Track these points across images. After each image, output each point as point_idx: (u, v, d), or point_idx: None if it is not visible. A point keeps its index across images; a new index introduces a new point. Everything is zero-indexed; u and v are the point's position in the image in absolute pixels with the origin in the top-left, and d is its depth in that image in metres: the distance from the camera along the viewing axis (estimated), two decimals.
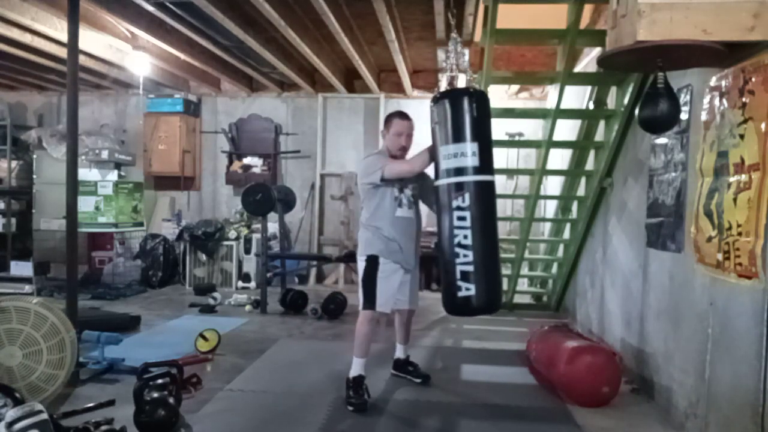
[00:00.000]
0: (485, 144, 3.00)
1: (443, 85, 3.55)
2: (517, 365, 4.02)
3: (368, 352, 3.36)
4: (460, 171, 2.95)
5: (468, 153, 2.93)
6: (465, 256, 2.91)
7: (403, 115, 3.45)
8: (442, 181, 3.02)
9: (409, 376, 3.67)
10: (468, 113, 2.95)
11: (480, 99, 3.01)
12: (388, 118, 3.48)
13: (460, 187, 2.94)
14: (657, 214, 3.38)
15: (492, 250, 3.03)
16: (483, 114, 3.00)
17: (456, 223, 2.93)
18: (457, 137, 2.96)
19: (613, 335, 4.15)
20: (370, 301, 3.32)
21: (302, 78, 6.75)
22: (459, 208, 2.92)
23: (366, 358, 3.34)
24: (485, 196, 2.99)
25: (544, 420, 3.13)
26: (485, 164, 2.97)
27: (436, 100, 3.06)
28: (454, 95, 3.07)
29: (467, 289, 2.91)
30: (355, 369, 3.32)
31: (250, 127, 7.60)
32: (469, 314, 3.36)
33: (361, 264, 3.39)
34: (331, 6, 4.35)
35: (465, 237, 2.91)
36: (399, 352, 3.76)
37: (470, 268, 2.90)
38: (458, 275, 2.92)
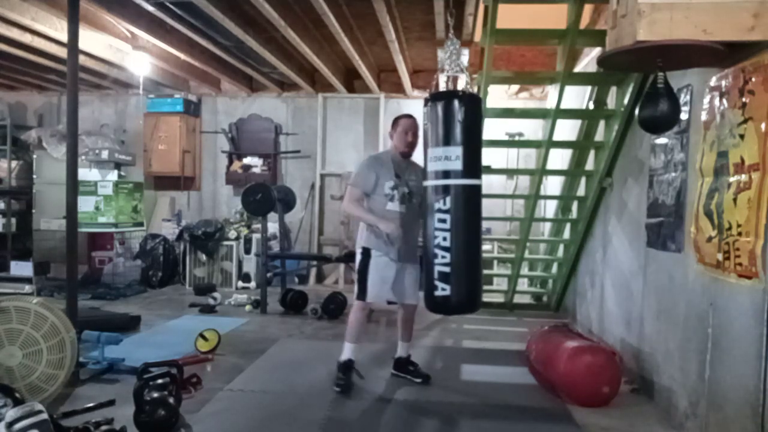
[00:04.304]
0: (472, 148, 3.00)
1: (441, 85, 3.58)
2: (517, 365, 4.02)
3: (359, 338, 3.59)
4: (443, 174, 2.99)
5: (452, 157, 2.95)
6: (443, 257, 2.97)
7: (408, 116, 3.64)
8: (428, 183, 3.08)
9: (409, 375, 3.68)
10: (455, 117, 2.96)
11: (469, 103, 3.00)
12: (395, 120, 3.64)
13: (441, 190, 2.99)
14: (657, 214, 3.38)
15: (471, 253, 3.06)
16: (471, 118, 3.00)
17: (437, 224, 2.98)
18: (443, 140, 2.98)
19: (613, 335, 4.15)
20: (362, 291, 3.49)
21: (302, 78, 6.75)
22: (440, 211, 2.98)
23: (357, 344, 3.56)
24: (468, 200, 3.01)
25: (544, 420, 3.13)
26: (469, 168, 2.97)
27: (427, 102, 3.09)
28: (443, 98, 3.08)
29: (443, 289, 2.99)
30: (346, 353, 3.53)
31: (250, 127, 7.60)
32: (445, 313, 3.47)
33: (357, 256, 3.57)
34: (331, 6, 4.35)
35: (444, 239, 2.96)
36: (400, 351, 3.76)
37: (447, 269, 2.97)
38: (436, 275, 3.00)
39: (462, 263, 2.99)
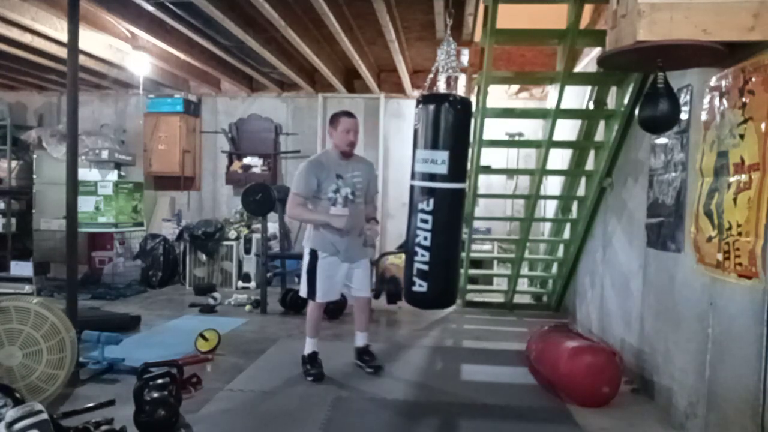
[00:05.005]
0: (458, 153, 3.04)
1: (440, 84, 3.61)
2: (517, 365, 4.02)
3: (318, 332, 3.79)
4: (428, 176, 3.04)
5: (438, 160, 2.99)
6: (423, 255, 3.05)
7: (349, 114, 3.68)
8: (414, 183, 3.12)
9: (363, 365, 3.81)
10: (443, 121, 2.99)
11: (459, 107, 3.02)
12: (335, 117, 3.68)
13: (425, 192, 3.04)
14: (657, 214, 3.38)
15: (449, 254, 3.12)
16: (459, 122, 3.03)
17: (419, 224, 3.05)
18: (431, 143, 3.02)
19: (613, 335, 4.15)
20: (311, 291, 3.66)
21: (302, 78, 6.75)
22: (423, 211, 3.04)
23: (317, 338, 3.76)
24: (450, 202, 3.06)
25: (544, 420, 3.13)
26: (454, 172, 3.02)
27: (418, 103, 3.12)
28: (433, 101, 3.10)
29: (420, 286, 3.08)
30: (309, 347, 3.72)
31: (250, 127, 7.60)
32: (421, 307, 3.59)
33: (305, 257, 3.68)
34: (331, 6, 4.35)
35: (425, 238, 3.03)
36: (358, 341, 3.90)
37: (426, 267, 3.05)
38: (415, 272, 3.08)
39: (440, 263, 3.06)
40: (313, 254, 3.63)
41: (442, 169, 2.98)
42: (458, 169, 3.06)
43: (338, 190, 3.57)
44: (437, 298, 3.18)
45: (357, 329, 3.91)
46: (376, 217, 3.90)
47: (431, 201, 3.00)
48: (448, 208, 3.05)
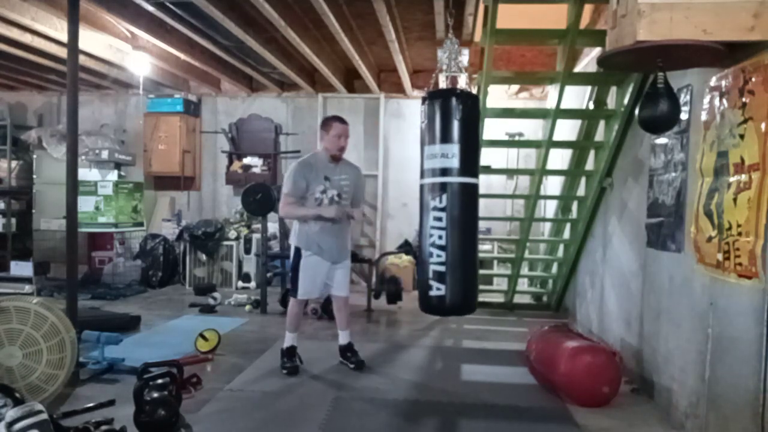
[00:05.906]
0: (468, 146, 2.97)
1: (443, 84, 3.60)
2: (517, 365, 4.02)
3: (298, 327, 3.89)
4: (439, 172, 2.95)
5: (449, 154, 2.92)
6: (438, 256, 2.91)
7: (341, 120, 3.79)
8: (424, 181, 3.03)
9: (346, 362, 3.90)
10: (452, 115, 2.93)
11: (466, 101, 2.97)
12: (327, 122, 3.78)
13: (438, 188, 2.95)
14: (657, 214, 3.38)
15: (467, 252, 3.00)
16: (468, 116, 2.96)
17: (432, 223, 2.94)
18: (440, 138, 2.95)
19: (613, 335, 4.15)
20: (294, 288, 3.78)
21: (302, 78, 6.75)
22: (436, 209, 2.93)
23: (296, 332, 3.85)
24: (464, 198, 2.96)
25: (544, 420, 3.13)
26: (466, 166, 2.94)
27: (424, 100, 3.07)
28: (441, 96, 3.05)
29: (438, 289, 2.92)
30: (288, 341, 3.82)
31: (250, 127, 7.60)
32: (440, 314, 3.40)
33: (291, 254, 3.84)
34: (331, 6, 4.35)
35: (440, 237, 2.91)
36: (341, 339, 3.98)
37: (443, 268, 2.91)
38: (431, 274, 2.94)
39: (458, 262, 2.93)
40: (297, 252, 3.75)
41: (454, 162, 2.90)
42: (471, 163, 2.97)
43: (325, 191, 3.70)
44: (458, 301, 2.97)
45: (339, 328, 3.99)
46: (354, 215, 3.90)
47: (444, 197, 2.90)
48: (462, 203, 2.93)
